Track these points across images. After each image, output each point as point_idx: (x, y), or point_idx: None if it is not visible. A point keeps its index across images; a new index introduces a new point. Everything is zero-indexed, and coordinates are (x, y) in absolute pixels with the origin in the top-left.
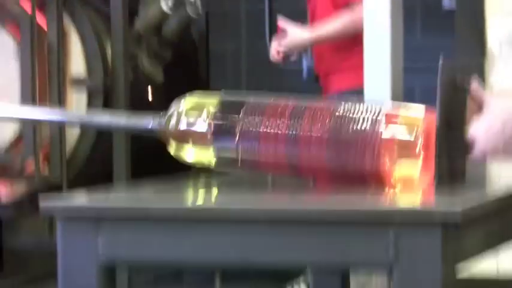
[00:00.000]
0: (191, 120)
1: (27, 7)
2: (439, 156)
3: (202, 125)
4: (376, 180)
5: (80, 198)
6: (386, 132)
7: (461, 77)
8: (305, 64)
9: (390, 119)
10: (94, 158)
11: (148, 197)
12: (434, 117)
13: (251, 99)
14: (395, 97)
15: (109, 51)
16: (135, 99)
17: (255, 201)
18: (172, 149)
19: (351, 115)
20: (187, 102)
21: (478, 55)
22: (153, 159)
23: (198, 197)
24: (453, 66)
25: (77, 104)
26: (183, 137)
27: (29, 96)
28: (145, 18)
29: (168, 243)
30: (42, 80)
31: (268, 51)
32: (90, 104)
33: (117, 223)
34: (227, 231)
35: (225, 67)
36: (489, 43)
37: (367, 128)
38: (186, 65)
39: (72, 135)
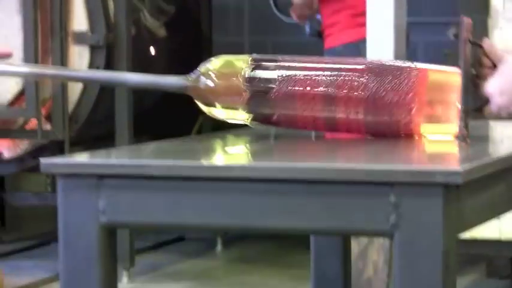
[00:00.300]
0: (226, 77)
1: None
2: (464, 111)
3: (237, 82)
4: (407, 134)
5: (81, 156)
6: (421, 86)
7: (474, 34)
8: (308, 20)
9: (426, 73)
10: (96, 115)
11: (151, 155)
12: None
13: (281, 57)
14: (398, 52)
15: (111, 6)
16: (138, 54)
17: (257, 161)
18: (204, 107)
19: (384, 72)
20: (218, 60)
21: (481, 12)
22: (155, 119)
23: (200, 156)
24: (466, 24)
25: (79, 59)
26: (217, 94)
27: (32, 50)
28: None
29: (170, 203)
30: (45, 34)
31: (271, 6)
32: (93, 59)
33: (119, 181)
34: (228, 191)
35: (227, 21)
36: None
37: (403, 82)
38: (188, 19)
39: (75, 91)
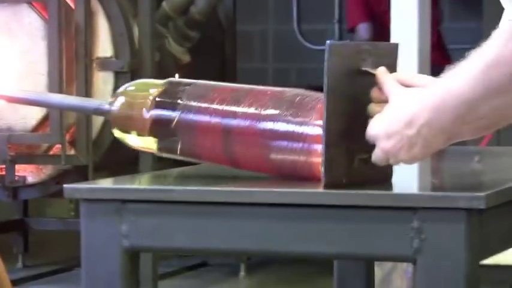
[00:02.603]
0: (133, 103)
1: None
2: (329, 158)
3: (142, 109)
4: (307, 175)
5: (104, 181)
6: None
7: (365, 61)
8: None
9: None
10: (120, 141)
11: (174, 180)
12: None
13: (197, 83)
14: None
15: (136, 32)
16: (162, 79)
17: (279, 186)
18: (116, 132)
19: (287, 105)
20: (132, 85)
21: None
22: None
23: (223, 181)
24: (356, 48)
25: (103, 84)
26: (125, 120)
27: (56, 76)
28: None
29: (193, 228)
30: (69, 60)
31: (295, 33)
32: (117, 84)
33: (142, 205)
34: (251, 216)
35: (251, 48)
36: None
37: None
38: (212, 46)
39: (98, 117)
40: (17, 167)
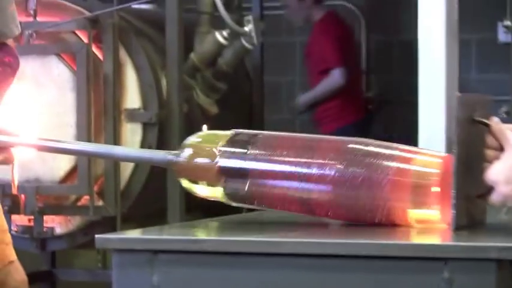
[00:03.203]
0: (201, 154)
1: (84, 37)
2: (457, 198)
3: (211, 160)
4: (389, 220)
5: (135, 232)
6: (399, 173)
7: (480, 113)
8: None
9: (405, 160)
10: (148, 192)
11: (203, 231)
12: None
13: (264, 133)
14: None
15: (164, 83)
16: (190, 131)
17: (307, 236)
18: (184, 183)
19: (364, 154)
20: (198, 136)
21: None
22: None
23: (252, 231)
24: (472, 101)
25: (131, 136)
26: (193, 171)
27: (85, 127)
28: (200, 49)
29: (224, 278)
30: (98, 111)
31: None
32: (145, 136)
33: (173, 256)
34: (280, 266)
35: (279, 99)
36: None
37: (380, 168)
38: (240, 97)
39: (126, 168)
40: (45, 218)
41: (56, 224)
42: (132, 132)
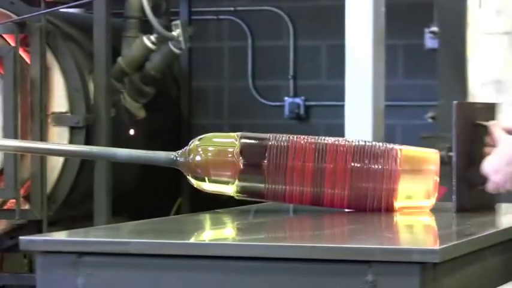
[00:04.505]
0: (216, 153)
1: (11, 41)
2: (459, 188)
3: (229, 157)
4: (390, 209)
5: (60, 234)
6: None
7: (483, 117)
8: (287, 102)
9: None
10: (75, 195)
11: (129, 233)
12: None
13: (269, 136)
14: (376, 135)
15: (91, 87)
16: (117, 134)
17: (234, 239)
18: (193, 180)
19: (369, 150)
20: (206, 137)
21: (459, 95)
22: (133, 200)
23: (178, 234)
24: (474, 108)
25: (58, 139)
26: (207, 169)
27: (11, 131)
28: (128, 53)
29: (149, 281)
30: (25, 115)
31: (250, 89)
32: (72, 139)
33: (98, 258)
34: (205, 269)
35: (207, 104)
36: (470, 84)
37: (384, 162)
38: (168, 102)
39: (53, 172)
40: None
41: None
42: (59, 136)
